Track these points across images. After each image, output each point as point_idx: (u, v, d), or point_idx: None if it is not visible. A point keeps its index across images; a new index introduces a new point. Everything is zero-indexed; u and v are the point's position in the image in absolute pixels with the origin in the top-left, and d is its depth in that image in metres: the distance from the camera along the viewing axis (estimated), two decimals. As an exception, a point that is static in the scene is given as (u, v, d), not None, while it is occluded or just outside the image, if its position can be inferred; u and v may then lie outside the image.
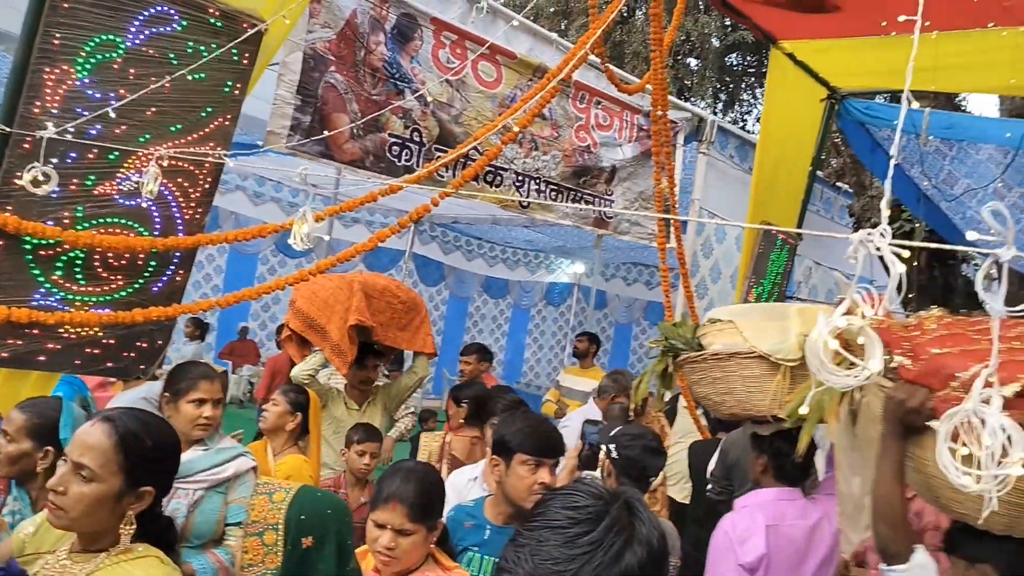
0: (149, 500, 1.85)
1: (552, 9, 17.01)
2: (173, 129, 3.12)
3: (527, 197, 5.23)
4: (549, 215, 5.51)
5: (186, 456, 2.74)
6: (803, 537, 2.78)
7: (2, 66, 5.13)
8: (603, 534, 1.13)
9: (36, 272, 2.95)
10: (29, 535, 2.20)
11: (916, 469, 2.10)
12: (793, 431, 2.58)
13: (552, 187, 5.42)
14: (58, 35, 2.80)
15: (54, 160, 2.85)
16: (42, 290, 2.97)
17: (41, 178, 2.74)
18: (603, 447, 3.19)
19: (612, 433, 3.25)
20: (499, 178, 5.10)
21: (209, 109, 3.18)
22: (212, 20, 3.12)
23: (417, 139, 4.59)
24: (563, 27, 16.73)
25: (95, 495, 1.75)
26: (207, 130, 3.20)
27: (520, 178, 5.21)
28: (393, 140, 4.47)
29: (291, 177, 3.12)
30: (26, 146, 2.81)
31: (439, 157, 4.49)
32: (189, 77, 3.02)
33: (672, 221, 4.58)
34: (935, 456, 1.99)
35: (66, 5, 2.80)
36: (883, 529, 2.14)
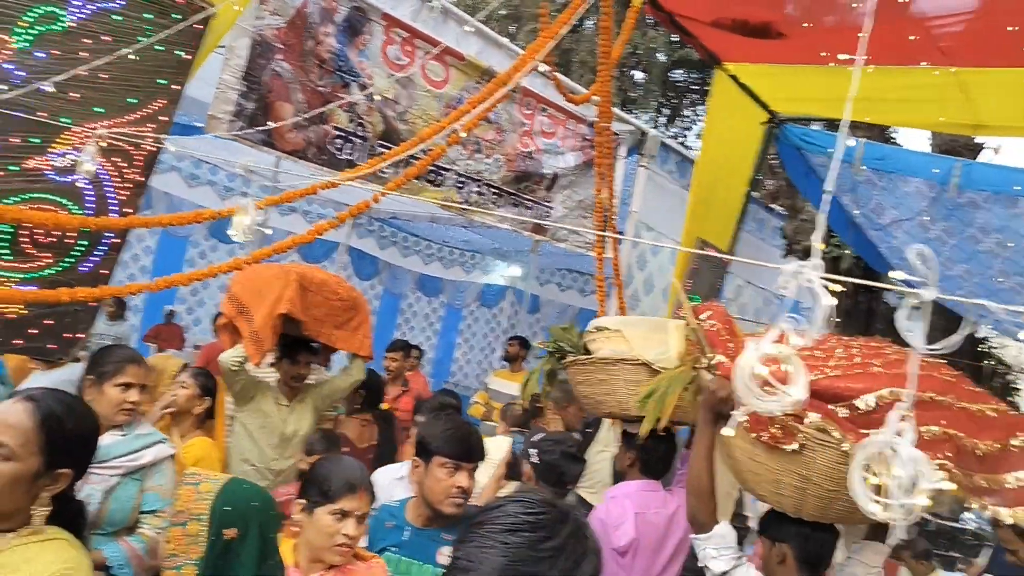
0: (65, 483, 1.83)
1: (503, 12, 17.05)
2: (111, 108, 3.04)
3: (468, 198, 5.25)
4: (488, 217, 5.54)
5: (103, 441, 2.65)
6: (664, 524, 3.09)
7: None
8: (565, 541, 1.20)
9: (-41, 245, 2.85)
10: None
11: (727, 453, 2.40)
12: (660, 431, 2.83)
13: (493, 190, 5.44)
14: (-3, 3, 2.71)
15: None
16: (-38, 264, 2.87)
17: (-30, 148, 2.64)
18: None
19: (534, 439, 3.34)
20: (441, 178, 5.10)
21: (151, 90, 3.11)
22: (156, 0, 3.05)
23: (361, 134, 4.56)
24: (513, 31, 16.78)
25: (12, 474, 1.72)
26: (147, 111, 3.13)
27: (462, 179, 5.22)
28: (337, 133, 4.43)
29: (231, 163, 3.07)
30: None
31: (382, 153, 4.46)
32: (132, 56, 2.94)
33: (609, 232, 4.65)
34: (738, 442, 2.27)
35: (6, -29, 2.71)
36: (693, 501, 2.47)
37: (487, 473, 3.63)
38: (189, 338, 10.35)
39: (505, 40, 5.29)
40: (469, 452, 2.59)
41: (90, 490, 2.70)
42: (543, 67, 4.60)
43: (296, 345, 4.10)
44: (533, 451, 3.19)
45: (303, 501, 2.30)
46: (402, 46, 4.65)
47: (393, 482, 3.34)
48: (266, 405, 4.02)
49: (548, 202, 5.88)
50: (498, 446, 4.00)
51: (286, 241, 3.33)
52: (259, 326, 3.82)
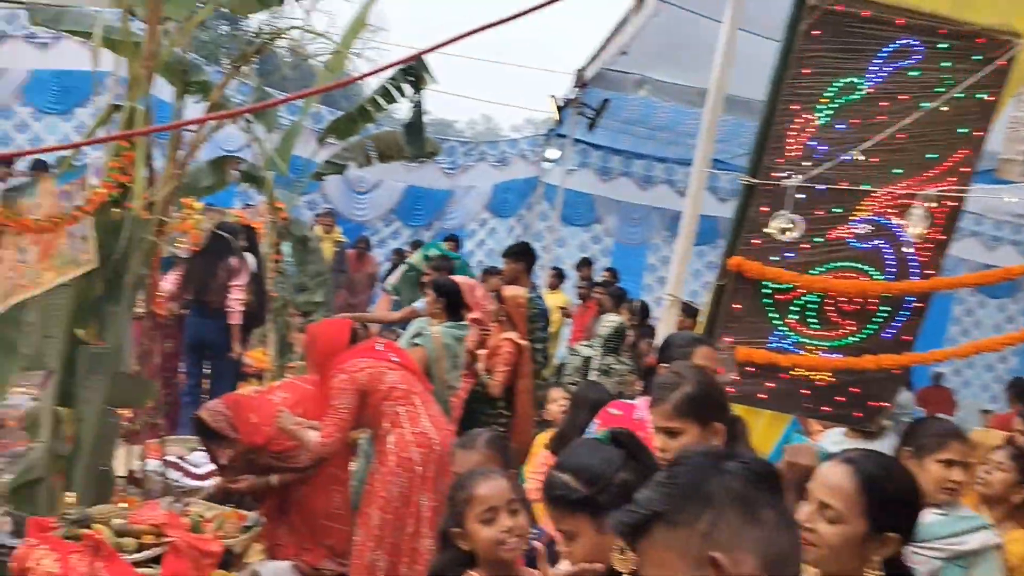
0: (894, 548, 1.78)
1: None
2: (909, 167, 3.00)
3: None
4: None
5: (924, 519, 2.54)
6: None
7: (736, 131, 6.04)
8: None
9: (772, 315, 3.11)
10: None
11: None
12: None
13: None
14: (800, 86, 2.93)
15: (793, 207, 2.96)
16: (777, 333, 3.12)
17: (787, 226, 2.86)
18: None
19: None
20: None
21: (950, 141, 2.98)
22: (955, 46, 2.88)
23: None
24: None
25: (841, 535, 1.75)
26: (947, 164, 2.98)
27: None
28: None
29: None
30: (768, 196, 2.97)
31: None
32: (941, 108, 2.82)
33: None
34: None
35: (808, 55, 2.89)
36: None
37: None
38: (959, 402, 9.78)
39: None
40: None
41: (913, 570, 2.59)
42: None
43: None
44: None
45: None
46: None
47: None
48: None
49: None
50: None
51: None
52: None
